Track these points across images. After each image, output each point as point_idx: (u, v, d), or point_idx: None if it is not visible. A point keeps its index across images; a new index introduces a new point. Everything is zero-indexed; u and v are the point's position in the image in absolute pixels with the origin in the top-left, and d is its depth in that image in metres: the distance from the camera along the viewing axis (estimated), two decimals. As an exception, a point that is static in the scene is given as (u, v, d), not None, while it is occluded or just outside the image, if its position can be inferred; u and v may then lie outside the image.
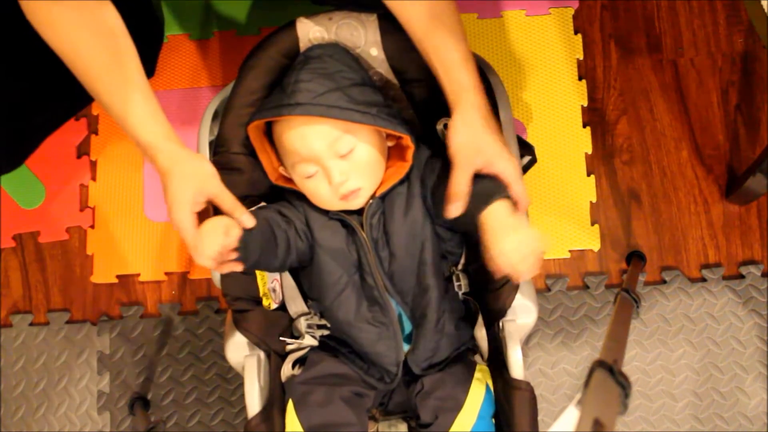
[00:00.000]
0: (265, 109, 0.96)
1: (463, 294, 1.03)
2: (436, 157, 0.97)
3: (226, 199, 0.92)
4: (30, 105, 1.18)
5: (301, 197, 1.00)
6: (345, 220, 0.98)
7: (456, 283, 1.02)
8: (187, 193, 0.88)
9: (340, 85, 0.93)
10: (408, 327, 1.00)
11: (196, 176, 0.90)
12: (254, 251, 0.91)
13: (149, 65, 1.43)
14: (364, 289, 0.98)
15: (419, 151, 0.99)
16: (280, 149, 0.98)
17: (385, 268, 0.97)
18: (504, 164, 0.89)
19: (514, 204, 0.88)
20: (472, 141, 0.89)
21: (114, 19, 0.89)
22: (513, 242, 0.82)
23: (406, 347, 0.99)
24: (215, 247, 0.83)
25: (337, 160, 0.93)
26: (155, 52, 1.44)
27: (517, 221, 0.85)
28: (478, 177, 0.89)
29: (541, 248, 0.82)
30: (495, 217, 0.85)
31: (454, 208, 0.88)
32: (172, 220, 0.89)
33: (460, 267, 1.04)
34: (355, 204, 0.97)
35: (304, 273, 1.02)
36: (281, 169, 1.02)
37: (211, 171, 0.91)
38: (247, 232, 0.89)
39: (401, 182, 0.98)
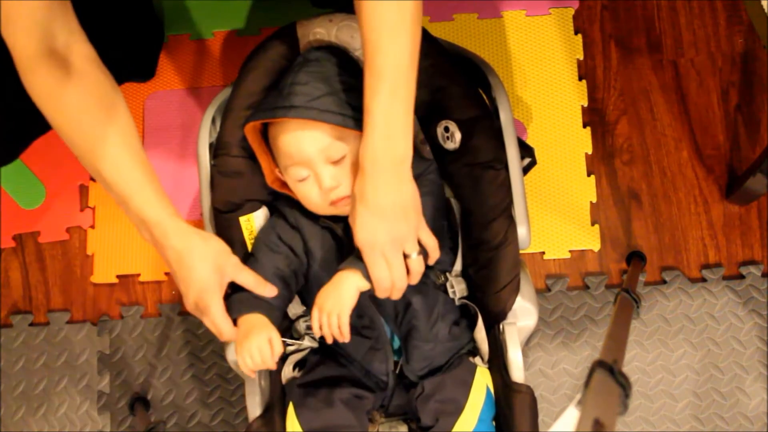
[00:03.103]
0: (261, 110, 0.95)
1: (461, 298, 1.02)
2: (425, 176, 0.97)
3: (248, 276, 0.92)
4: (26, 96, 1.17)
5: (294, 205, 0.99)
6: (332, 228, 0.97)
7: (450, 290, 1.01)
8: (213, 277, 0.88)
9: (336, 89, 0.92)
10: (398, 341, 1.00)
11: (216, 256, 0.89)
12: (280, 316, 0.96)
13: (149, 66, 1.43)
14: None
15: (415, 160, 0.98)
16: (275, 151, 0.98)
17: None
18: (360, 245, 0.87)
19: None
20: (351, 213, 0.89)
21: (117, 90, 0.87)
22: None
23: (396, 357, 1.00)
24: (261, 367, 0.89)
25: (329, 165, 0.93)
26: (156, 52, 1.44)
27: (338, 291, 0.88)
28: None
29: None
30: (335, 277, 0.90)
31: None
32: (202, 310, 0.88)
33: (453, 273, 1.04)
34: (345, 210, 0.94)
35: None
36: (278, 172, 1.02)
37: (225, 248, 0.91)
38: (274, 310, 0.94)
39: None
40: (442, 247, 0.96)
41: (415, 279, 0.90)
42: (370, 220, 0.84)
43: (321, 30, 1.00)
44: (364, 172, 0.84)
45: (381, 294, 0.88)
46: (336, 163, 0.93)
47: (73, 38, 0.83)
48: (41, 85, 0.82)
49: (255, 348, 0.88)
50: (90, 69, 0.85)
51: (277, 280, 0.95)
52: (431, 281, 1.00)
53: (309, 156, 0.92)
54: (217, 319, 0.89)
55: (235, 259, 0.92)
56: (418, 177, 0.89)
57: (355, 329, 0.96)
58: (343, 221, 0.96)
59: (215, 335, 0.92)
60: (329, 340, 0.88)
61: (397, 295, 0.89)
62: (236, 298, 0.92)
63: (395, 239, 0.86)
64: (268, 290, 0.93)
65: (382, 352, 0.98)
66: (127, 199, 0.86)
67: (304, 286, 1.01)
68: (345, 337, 0.87)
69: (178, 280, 0.89)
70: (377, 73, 0.81)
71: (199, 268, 0.87)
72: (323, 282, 0.94)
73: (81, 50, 0.84)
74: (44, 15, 0.79)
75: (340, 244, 0.97)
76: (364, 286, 0.88)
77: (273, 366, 0.89)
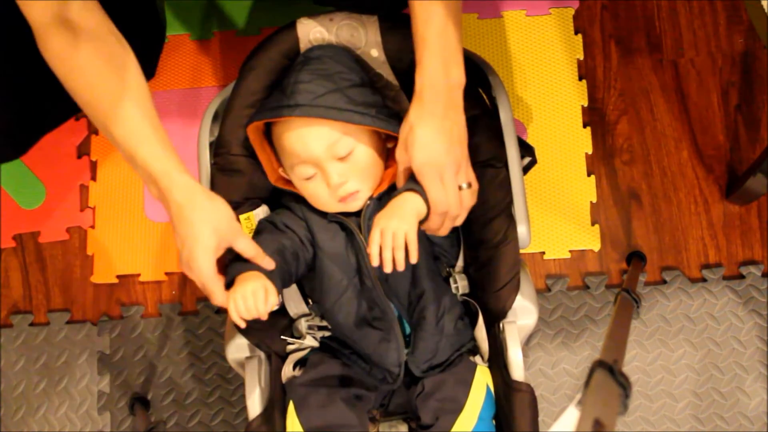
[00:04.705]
0: (265, 109, 0.96)
1: (462, 295, 1.03)
2: None
3: (248, 244, 0.89)
4: (38, 90, 1.17)
5: (300, 200, 0.99)
6: (343, 222, 0.98)
7: (453, 285, 1.02)
8: (211, 238, 0.85)
9: (340, 86, 0.93)
10: (408, 329, 1.00)
11: (218, 218, 0.87)
12: (280, 286, 0.91)
13: (150, 65, 1.43)
14: (364, 292, 0.98)
15: None
16: (280, 150, 0.98)
17: (380, 271, 0.97)
18: (419, 167, 0.87)
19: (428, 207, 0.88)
20: (404, 139, 0.89)
21: (128, 52, 0.87)
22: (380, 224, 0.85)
23: (406, 349, 1.00)
24: (253, 313, 0.84)
25: (336, 162, 0.93)
26: (157, 52, 1.44)
27: (401, 210, 0.87)
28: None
29: (389, 242, 0.84)
30: (394, 200, 0.88)
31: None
32: (191, 267, 0.85)
33: (457, 269, 1.04)
34: (354, 206, 0.96)
35: (306, 276, 1.02)
36: (281, 171, 1.02)
37: (230, 213, 0.89)
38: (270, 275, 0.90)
39: None
40: (445, 238, 0.97)
41: (464, 215, 0.91)
42: (428, 141, 0.86)
43: (321, 29, 1.00)
44: (422, 98, 0.87)
45: (435, 220, 0.89)
46: (342, 159, 0.93)
47: (86, 7, 0.84)
48: (55, 48, 0.83)
49: (249, 291, 0.84)
50: (102, 32, 0.85)
51: (277, 255, 0.92)
52: (439, 272, 1.01)
53: (316, 154, 0.93)
54: (207, 277, 0.86)
55: (237, 226, 0.89)
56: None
57: (366, 321, 0.97)
58: (354, 216, 0.97)
59: (217, 302, 0.87)
60: (388, 268, 0.84)
61: (448, 226, 0.90)
62: (235, 264, 0.90)
63: (452, 162, 0.88)
64: (266, 262, 0.90)
65: (393, 342, 0.98)
66: (133, 152, 0.85)
67: (311, 280, 1.01)
68: (413, 257, 0.85)
69: (175, 234, 0.87)
70: (428, 6, 0.85)
71: (197, 224, 0.85)
72: (334, 275, 0.96)
73: (94, 17, 0.85)
74: None
75: (352, 237, 0.97)
76: (423, 209, 0.88)
77: (264, 315, 0.84)
